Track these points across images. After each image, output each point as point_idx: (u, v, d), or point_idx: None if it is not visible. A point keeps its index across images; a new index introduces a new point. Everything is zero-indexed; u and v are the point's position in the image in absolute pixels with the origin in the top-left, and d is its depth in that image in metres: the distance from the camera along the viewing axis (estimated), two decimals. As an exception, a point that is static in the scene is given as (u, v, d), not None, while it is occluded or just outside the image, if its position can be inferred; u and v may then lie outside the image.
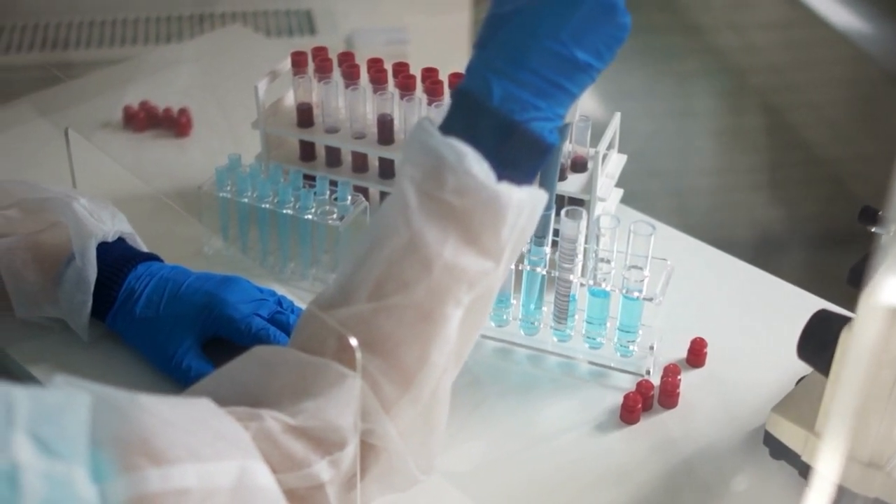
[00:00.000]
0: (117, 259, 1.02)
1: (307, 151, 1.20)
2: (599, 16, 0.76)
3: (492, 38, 0.78)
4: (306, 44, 2.03)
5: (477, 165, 0.74)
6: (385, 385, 0.75)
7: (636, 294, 0.97)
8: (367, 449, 0.76)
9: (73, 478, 0.54)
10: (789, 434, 0.90)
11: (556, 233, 0.98)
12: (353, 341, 0.72)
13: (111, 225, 1.03)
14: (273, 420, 0.71)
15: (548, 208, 0.93)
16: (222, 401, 0.71)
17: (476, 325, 0.79)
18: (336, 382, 0.73)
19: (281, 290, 1.07)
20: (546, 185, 0.87)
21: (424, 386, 0.76)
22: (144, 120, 1.44)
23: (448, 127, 0.76)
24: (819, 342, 0.87)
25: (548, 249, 0.99)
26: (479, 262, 0.75)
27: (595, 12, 0.76)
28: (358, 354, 0.73)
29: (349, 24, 2.07)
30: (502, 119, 0.75)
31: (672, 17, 2.78)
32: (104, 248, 1.01)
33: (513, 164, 0.76)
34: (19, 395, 0.54)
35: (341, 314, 0.75)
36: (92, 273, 0.99)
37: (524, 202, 0.76)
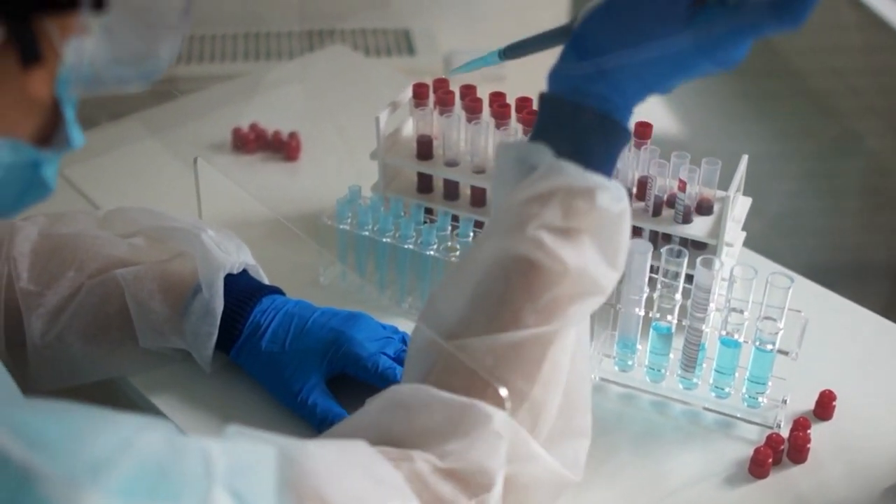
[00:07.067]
0: (242, 292, 1.01)
1: (425, 184, 1.19)
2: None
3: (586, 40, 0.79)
4: (406, 64, 2.04)
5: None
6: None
7: (769, 346, 0.95)
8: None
9: None
10: (929, 498, 0.88)
11: (688, 279, 0.97)
12: (504, 392, 0.72)
13: (237, 257, 1.02)
14: (423, 461, 0.71)
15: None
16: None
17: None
18: (482, 422, 0.72)
19: (400, 324, 1.07)
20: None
21: (544, 426, 0.76)
22: (254, 142, 1.44)
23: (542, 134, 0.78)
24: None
25: (679, 297, 0.97)
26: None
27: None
28: (504, 392, 0.72)
29: (447, 45, 2.06)
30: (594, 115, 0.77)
31: (773, 60, 2.74)
32: (229, 281, 1.01)
33: (599, 155, 0.77)
34: (215, 450, 0.56)
35: (469, 344, 0.75)
36: (219, 305, 0.99)
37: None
